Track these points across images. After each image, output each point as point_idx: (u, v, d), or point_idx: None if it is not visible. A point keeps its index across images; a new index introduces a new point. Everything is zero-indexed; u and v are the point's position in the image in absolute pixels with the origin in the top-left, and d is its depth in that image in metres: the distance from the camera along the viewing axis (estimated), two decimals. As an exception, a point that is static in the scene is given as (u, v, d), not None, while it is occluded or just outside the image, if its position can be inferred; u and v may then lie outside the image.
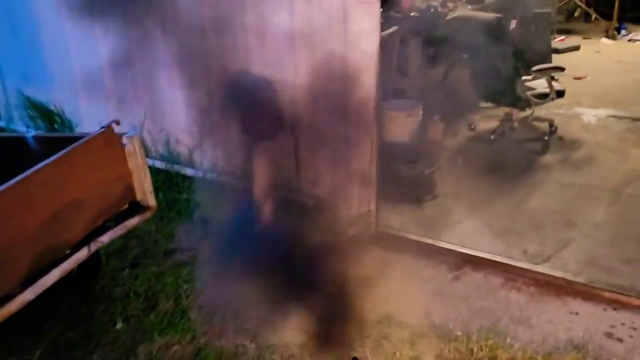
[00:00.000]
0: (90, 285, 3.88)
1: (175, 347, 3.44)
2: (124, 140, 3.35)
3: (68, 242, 3.11)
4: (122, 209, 3.51)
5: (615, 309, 3.73)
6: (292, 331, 3.55)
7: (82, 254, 3.19)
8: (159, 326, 3.58)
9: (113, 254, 4.23)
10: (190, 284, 3.94)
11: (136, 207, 3.58)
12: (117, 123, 3.35)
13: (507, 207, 4.98)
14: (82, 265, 3.51)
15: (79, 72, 5.42)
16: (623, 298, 3.77)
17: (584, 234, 4.52)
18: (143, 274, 4.02)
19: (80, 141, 3.12)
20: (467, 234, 4.59)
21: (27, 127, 5.46)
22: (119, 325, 3.59)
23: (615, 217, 4.71)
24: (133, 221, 3.46)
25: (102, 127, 3.29)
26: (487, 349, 3.39)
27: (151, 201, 3.60)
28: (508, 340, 3.49)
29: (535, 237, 4.51)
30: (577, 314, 3.72)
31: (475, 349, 3.40)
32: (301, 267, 3.93)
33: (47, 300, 3.69)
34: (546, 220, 4.73)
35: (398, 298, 3.93)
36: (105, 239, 3.29)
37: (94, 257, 3.77)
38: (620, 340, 3.48)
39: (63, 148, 3.08)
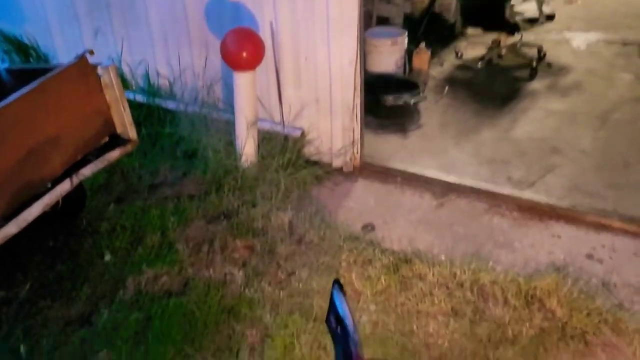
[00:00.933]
0: (76, 220, 3.87)
1: (164, 278, 3.48)
2: (99, 70, 3.25)
3: (47, 175, 3.07)
4: (103, 142, 3.46)
5: (597, 232, 3.79)
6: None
7: (64, 187, 3.16)
8: (146, 258, 3.60)
9: (97, 190, 4.20)
10: (176, 218, 3.94)
11: (117, 141, 3.52)
12: (92, 53, 3.24)
13: (493, 135, 4.98)
14: (66, 200, 3.50)
15: (53, 3, 5.20)
16: (605, 220, 3.83)
17: (569, 160, 4.54)
18: (129, 209, 4.01)
19: (53, 72, 3.02)
20: (453, 162, 4.59)
21: (2, 60, 5.29)
22: (107, 258, 3.62)
23: (601, 143, 4.73)
24: (114, 154, 3.42)
25: (75, 57, 3.19)
26: (470, 273, 3.46)
27: (132, 134, 3.54)
28: (491, 264, 3.56)
29: (520, 164, 4.53)
30: (559, 237, 3.78)
31: (459, 273, 3.47)
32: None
33: (34, 235, 3.71)
34: (532, 147, 4.73)
35: (383, 226, 3.98)
36: (86, 172, 3.26)
37: (78, 192, 3.75)
38: (600, 261, 3.56)
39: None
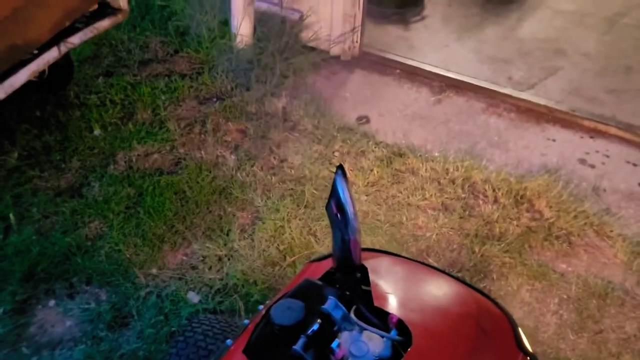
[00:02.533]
0: (64, 91, 3.73)
1: (155, 156, 3.43)
2: None
3: (34, 40, 2.90)
4: (91, 9, 3.25)
5: (592, 137, 3.79)
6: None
7: (52, 54, 3.00)
8: (137, 135, 3.53)
9: (85, 61, 4.02)
10: (167, 96, 3.83)
11: (106, 9, 3.32)
12: None
13: (496, 33, 4.80)
14: (53, 70, 3.35)
15: None
16: (601, 126, 3.82)
17: (572, 63, 4.44)
18: (118, 83, 3.87)
19: None
20: (454, 58, 4.46)
21: None
22: (96, 132, 3.54)
23: (606, 47, 4.60)
24: (104, 24, 3.23)
25: None
26: (463, 170, 3.46)
27: (122, 3, 3.33)
28: (484, 162, 3.56)
29: (522, 65, 4.41)
30: (554, 140, 3.77)
31: (451, 169, 3.48)
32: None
33: (21, 105, 3.59)
34: (535, 47, 4.59)
35: (378, 119, 3.92)
36: (75, 40, 3.08)
37: (66, 62, 3.58)
38: (593, 166, 3.58)
39: None
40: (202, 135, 3.58)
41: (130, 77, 3.94)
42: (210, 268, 2.87)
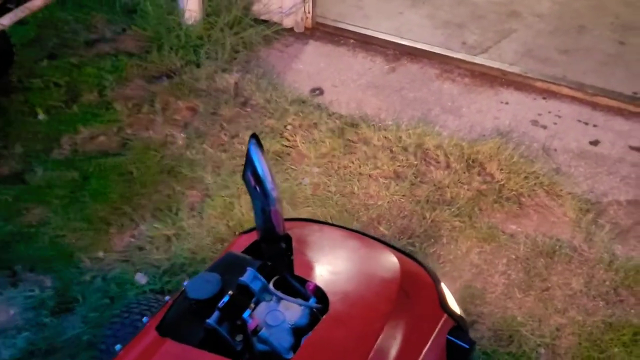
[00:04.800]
0: (6, 75, 3.62)
1: (101, 138, 3.36)
2: None
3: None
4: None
5: (544, 98, 3.78)
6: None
7: (-19, 37, 2.91)
8: (82, 117, 3.46)
9: (28, 45, 3.91)
10: (114, 76, 3.74)
11: (39, -12, 3.21)
12: None
13: (451, -2, 4.75)
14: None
15: None
16: (554, 87, 3.80)
17: (526, 24, 4.40)
18: (63, 65, 3.77)
19: None
20: (408, 25, 4.40)
21: None
22: (40, 117, 3.45)
23: (559, 7, 4.57)
24: (37, 2, 3.12)
25: None
26: (416, 137, 3.44)
27: (56, -19, 3.23)
28: (437, 128, 3.54)
29: (476, 29, 4.37)
30: (507, 103, 3.76)
31: (404, 137, 3.45)
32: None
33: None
34: (490, 10, 4.55)
35: (332, 90, 3.87)
36: (5, 21, 2.99)
37: (5, 46, 3.48)
38: (545, 127, 3.58)
39: None
40: (151, 115, 3.52)
41: (75, 59, 3.85)
42: (157, 248, 2.83)
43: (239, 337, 1.45)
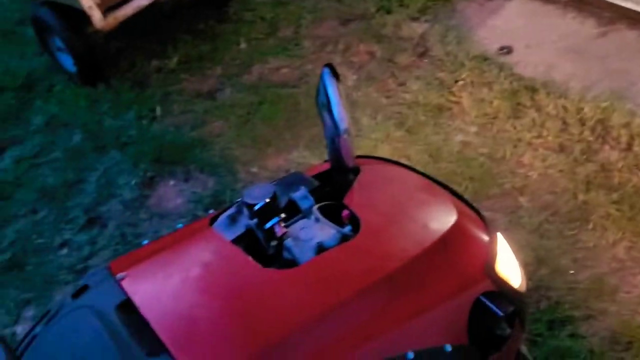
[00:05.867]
0: (226, 8, 4.17)
1: (284, 70, 3.71)
2: None
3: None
4: None
5: None
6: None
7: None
8: (274, 50, 3.83)
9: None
10: (312, 15, 4.03)
11: None
12: None
13: None
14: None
15: None
16: None
17: None
18: (271, 2, 4.17)
19: None
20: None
21: None
22: (242, 46, 3.93)
23: None
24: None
25: None
26: (600, 111, 3.07)
27: None
28: (630, 106, 3.09)
29: None
30: None
31: (586, 110, 3.10)
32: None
33: (188, 18, 4.15)
34: None
35: (523, 50, 3.60)
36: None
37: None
38: None
39: None
40: (332, 55, 3.73)
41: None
42: (301, 174, 3.09)
43: (273, 243, 1.60)
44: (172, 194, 3.16)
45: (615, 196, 2.70)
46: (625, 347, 2.22)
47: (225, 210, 1.74)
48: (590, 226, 2.63)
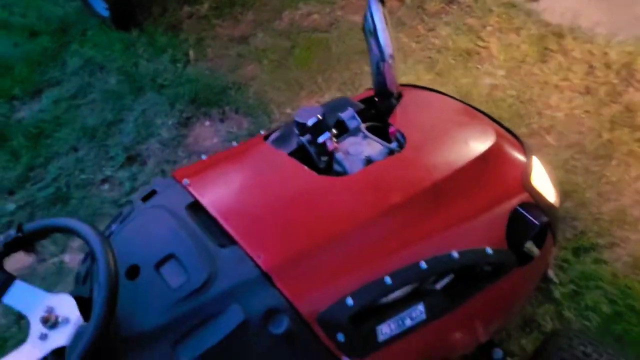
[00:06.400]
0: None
1: (315, 16, 3.78)
2: None
3: None
4: None
5: None
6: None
7: None
8: (304, -2, 3.91)
9: None
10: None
11: None
12: None
13: None
14: None
15: None
16: None
17: None
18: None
19: None
20: None
21: None
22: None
23: None
24: None
25: None
26: (625, 55, 3.15)
27: None
28: (656, 50, 3.16)
29: None
30: None
31: (612, 53, 3.18)
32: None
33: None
34: None
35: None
36: None
37: None
38: None
39: None
40: (362, 1, 3.80)
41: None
42: (333, 114, 3.20)
43: (324, 158, 1.72)
44: (208, 134, 3.28)
45: (638, 134, 2.80)
46: (646, 271, 2.35)
47: (275, 131, 1.86)
48: (614, 162, 2.74)
